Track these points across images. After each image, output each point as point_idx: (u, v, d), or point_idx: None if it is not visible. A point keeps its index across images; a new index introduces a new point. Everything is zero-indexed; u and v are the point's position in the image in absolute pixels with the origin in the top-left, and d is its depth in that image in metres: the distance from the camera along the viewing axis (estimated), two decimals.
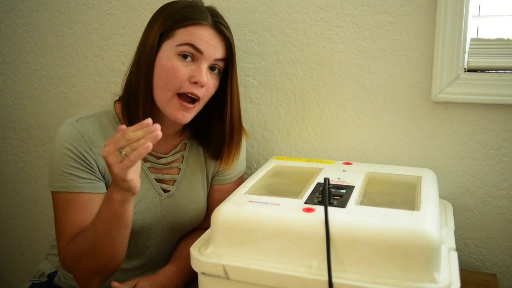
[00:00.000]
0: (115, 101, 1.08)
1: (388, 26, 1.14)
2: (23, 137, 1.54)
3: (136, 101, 0.99)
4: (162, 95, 0.99)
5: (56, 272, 1.15)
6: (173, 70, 0.97)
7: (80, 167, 0.98)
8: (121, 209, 0.87)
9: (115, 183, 0.85)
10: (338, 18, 1.18)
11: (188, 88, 0.98)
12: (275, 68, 1.25)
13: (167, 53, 0.98)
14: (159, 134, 0.78)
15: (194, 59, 0.99)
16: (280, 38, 1.23)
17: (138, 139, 0.78)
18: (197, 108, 1.02)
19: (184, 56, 0.98)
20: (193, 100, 1.00)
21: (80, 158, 0.98)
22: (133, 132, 0.79)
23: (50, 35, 1.44)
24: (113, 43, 1.38)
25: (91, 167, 0.99)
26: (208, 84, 1.00)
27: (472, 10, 1.13)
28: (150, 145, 0.77)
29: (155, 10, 1.04)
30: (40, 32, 1.45)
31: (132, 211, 0.91)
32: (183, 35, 0.98)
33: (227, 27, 1.04)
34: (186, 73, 0.97)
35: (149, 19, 1.03)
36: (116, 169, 0.80)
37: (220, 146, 1.09)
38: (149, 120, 0.79)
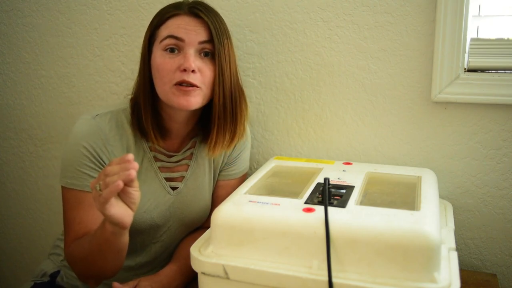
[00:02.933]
0: (131, 99, 1.08)
1: (388, 26, 1.14)
2: (23, 137, 1.54)
3: (139, 106, 1.02)
4: (162, 90, 1.00)
5: (58, 271, 1.15)
6: (162, 64, 0.99)
7: (94, 166, 0.99)
8: (112, 237, 0.86)
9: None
10: (338, 18, 1.18)
11: (180, 77, 0.98)
12: (275, 68, 1.25)
13: (156, 53, 1.01)
14: (133, 174, 0.76)
15: (179, 49, 1.00)
16: (280, 38, 1.23)
17: (113, 175, 0.77)
18: (200, 93, 1.00)
19: (171, 50, 0.99)
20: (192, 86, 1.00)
21: (94, 157, 0.99)
22: (111, 166, 0.78)
23: (50, 35, 1.44)
24: (113, 43, 1.38)
25: (104, 166, 0.99)
26: (202, 69, 1.00)
27: (472, 10, 1.13)
28: (120, 183, 0.75)
29: (155, 10, 1.05)
30: (40, 32, 1.45)
31: (127, 240, 0.90)
32: (164, 30, 1.00)
33: (204, 10, 1.02)
34: (174, 64, 0.98)
35: (149, 19, 1.05)
36: (96, 204, 0.80)
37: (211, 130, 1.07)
38: (130, 156, 0.78)
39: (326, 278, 0.73)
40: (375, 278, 0.73)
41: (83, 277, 0.98)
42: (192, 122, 1.10)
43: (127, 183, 0.79)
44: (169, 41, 0.99)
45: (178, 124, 1.07)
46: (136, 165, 0.77)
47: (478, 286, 1.05)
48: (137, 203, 0.83)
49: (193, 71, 0.98)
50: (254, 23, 1.25)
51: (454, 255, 0.80)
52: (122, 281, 1.13)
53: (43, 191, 1.56)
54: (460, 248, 1.18)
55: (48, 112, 1.49)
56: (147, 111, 1.02)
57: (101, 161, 0.99)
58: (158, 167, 1.07)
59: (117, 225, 0.82)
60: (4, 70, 1.52)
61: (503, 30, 1.18)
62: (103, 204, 0.78)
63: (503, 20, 1.18)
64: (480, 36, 1.19)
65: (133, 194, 0.82)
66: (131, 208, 0.83)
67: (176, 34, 0.99)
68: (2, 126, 1.56)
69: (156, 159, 1.07)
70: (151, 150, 1.06)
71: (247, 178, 1.08)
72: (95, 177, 0.98)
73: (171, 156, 1.09)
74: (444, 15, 1.08)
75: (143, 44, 1.04)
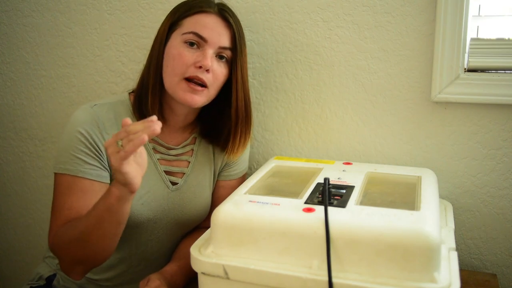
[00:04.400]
0: (130, 92, 1.09)
1: (388, 26, 1.14)
2: (23, 137, 1.54)
3: (146, 90, 1.02)
4: (170, 80, 1.01)
5: (54, 275, 1.14)
6: (178, 55, 1.00)
7: (89, 152, 0.98)
8: (117, 204, 0.85)
9: (115, 177, 0.84)
10: (338, 18, 1.18)
11: (194, 73, 0.99)
12: (275, 68, 1.25)
13: (174, 42, 1.02)
14: (157, 129, 0.77)
15: (199, 46, 1.01)
16: (280, 38, 1.23)
17: (137, 132, 0.77)
18: (206, 94, 1.02)
19: (191, 43, 1.01)
20: (201, 85, 1.01)
21: (90, 143, 0.99)
22: (134, 125, 0.78)
23: (50, 35, 1.44)
24: (113, 43, 1.38)
25: (99, 154, 0.99)
26: (215, 71, 1.02)
27: (472, 10, 1.13)
28: (145, 137, 0.76)
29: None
30: (40, 32, 1.45)
31: (129, 211, 0.90)
32: (189, 23, 1.02)
33: (233, 16, 1.06)
34: (191, 58, 1.00)
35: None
36: (113, 160, 0.79)
37: (226, 135, 1.09)
38: (154, 117, 0.78)
39: (326, 278, 0.73)
40: (375, 278, 0.73)
41: (69, 263, 0.95)
42: (191, 117, 1.11)
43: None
44: (191, 37, 1.00)
45: (176, 117, 1.08)
46: (160, 124, 0.77)
47: (478, 286, 1.05)
48: (145, 165, 0.85)
49: (207, 70, 1.00)
50: (254, 23, 1.25)
51: (454, 255, 0.80)
52: (121, 282, 1.13)
53: (43, 191, 1.55)
54: (460, 248, 1.18)
55: (48, 112, 1.49)
56: (154, 93, 1.02)
57: (97, 148, 0.99)
58: (157, 159, 1.07)
59: (128, 185, 0.82)
60: (4, 70, 1.52)
61: (503, 30, 1.18)
62: (122, 159, 0.78)
63: (503, 20, 1.18)
64: (480, 36, 1.19)
65: (144, 153, 0.84)
66: (141, 169, 0.84)
67: (201, 33, 1.00)
68: (2, 126, 1.56)
69: (155, 151, 1.07)
70: (149, 141, 1.06)
71: (247, 178, 1.07)
72: (89, 163, 0.98)
73: (170, 149, 1.09)
74: (444, 15, 1.08)
75: (161, 29, 1.04)
